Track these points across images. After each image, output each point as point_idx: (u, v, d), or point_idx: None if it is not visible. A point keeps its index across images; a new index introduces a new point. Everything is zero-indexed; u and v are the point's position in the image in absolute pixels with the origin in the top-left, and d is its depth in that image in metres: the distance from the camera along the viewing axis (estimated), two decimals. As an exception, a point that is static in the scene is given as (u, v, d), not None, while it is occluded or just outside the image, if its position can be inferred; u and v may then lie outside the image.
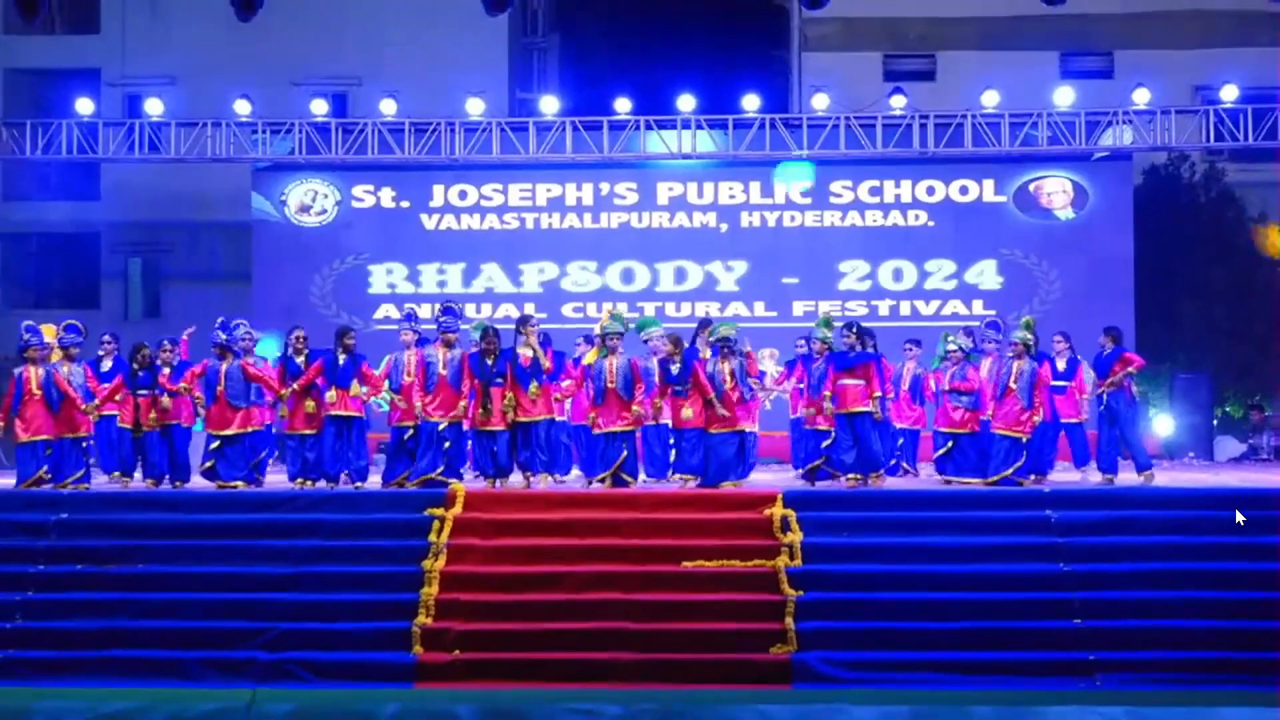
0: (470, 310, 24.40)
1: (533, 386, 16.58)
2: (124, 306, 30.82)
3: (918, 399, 18.85)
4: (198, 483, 17.39)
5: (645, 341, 17.28)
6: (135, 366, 17.33)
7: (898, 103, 24.71)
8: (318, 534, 15.01)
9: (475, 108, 24.91)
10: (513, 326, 17.17)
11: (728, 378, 16.47)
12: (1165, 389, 26.32)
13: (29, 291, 30.52)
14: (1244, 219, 28.70)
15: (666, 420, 17.27)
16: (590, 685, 13.07)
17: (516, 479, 16.93)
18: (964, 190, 25.40)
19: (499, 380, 16.64)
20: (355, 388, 16.85)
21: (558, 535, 14.89)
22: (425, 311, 19.59)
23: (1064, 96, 24.62)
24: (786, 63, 32.50)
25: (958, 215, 25.37)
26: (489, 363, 16.65)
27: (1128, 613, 13.63)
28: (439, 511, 15.01)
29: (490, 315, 23.62)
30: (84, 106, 25.11)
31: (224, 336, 16.97)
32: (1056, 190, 25.33)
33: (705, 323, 17.58)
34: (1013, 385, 16.56)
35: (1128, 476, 17.41)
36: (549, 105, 25.27)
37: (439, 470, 16.32)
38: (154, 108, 25.14)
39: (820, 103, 24.82)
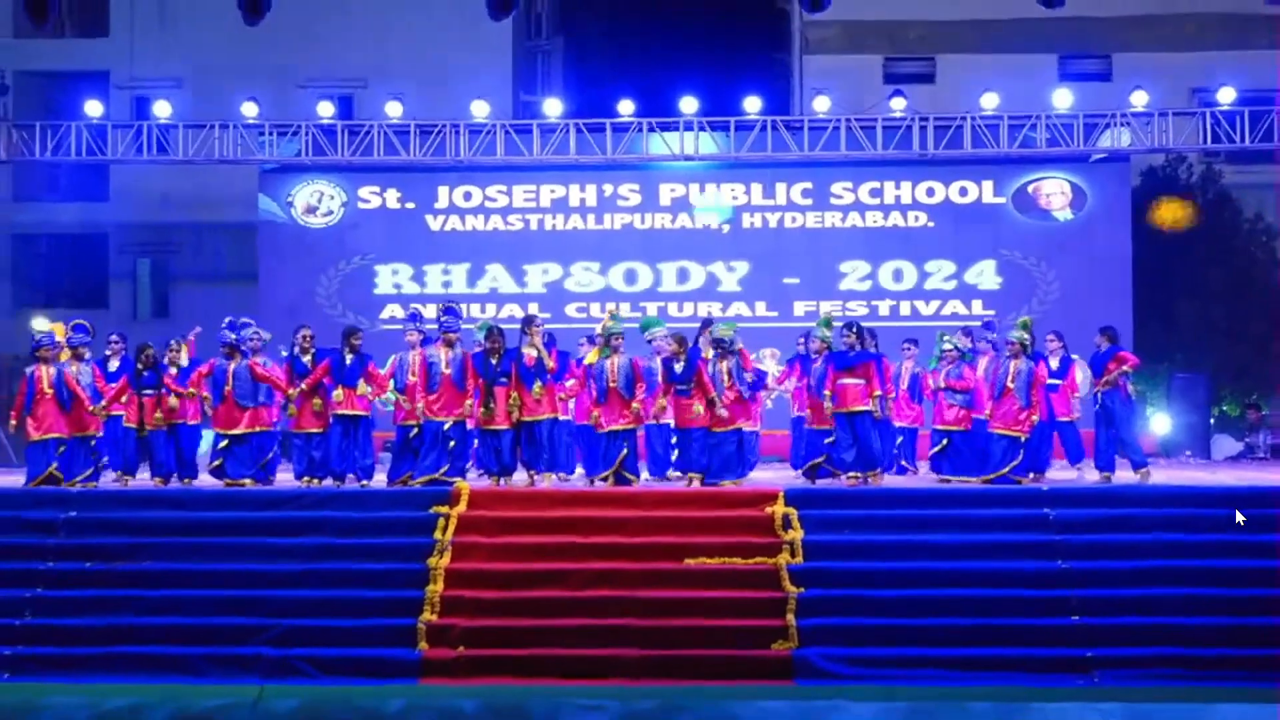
0: (475, 310, 24.42)
1: (536, 386, 16.58)
2: (132, 306, 30.84)
3: (916, 398, 18.85)
4: (205, 481, 17.42)
5: (649, 341, 17.28)
6: (140, 366, 17.33)
7: (898, 105, 24.71)
8: (324, 531, 15.01)
9: (480, 110, 24.90)
10: (517, 326, 17.17)
11: (725, 377, 16.48)
12: (1163, 388, 26.31)
13: (39, 292, 30.54)
14: (1240, 220, 28.68)
15: (669, 420, 17.26)
16: (594, 682, 13.07)
17: (520, 477, 16.93)
18: (963, 191, 25.39)
19: (503, 380, 16.64)
20: (362, 387, 16.86)
21: (561, 533, 14.88)
22: (430, 312, 19.56)
23: (1062, 99, 24.62)
24: (788, 65, 32.50)
25: (957, 216, 25.37)
26: (493, 362, 16.65)
27: (1125, 610, 13.62)
28: (444, 509, 15.01)
29: (495, 315, 23.58)
30: (93, 109, 25.11)
31: (233, 336, 16.98)
32: (1055, 191, 25.33)
33: (708, 322, 17.58)
34: (1010, 385, 16.56)
35: (1125, 475, 17.39)
36: (552, 107, 25.27)
37: (443, 469, 16.31)
38: (162, 110, 25.15)
39: (821, 105, 24.81)
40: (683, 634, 13.53)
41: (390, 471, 17.11)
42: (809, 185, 25.48)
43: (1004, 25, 28.78)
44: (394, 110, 24.94)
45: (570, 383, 17.56)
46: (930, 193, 25.36)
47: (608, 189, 25.72)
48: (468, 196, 25.76)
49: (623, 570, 14.27)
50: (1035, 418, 16.59)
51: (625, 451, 16.51)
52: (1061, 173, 25.24)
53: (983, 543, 14.55)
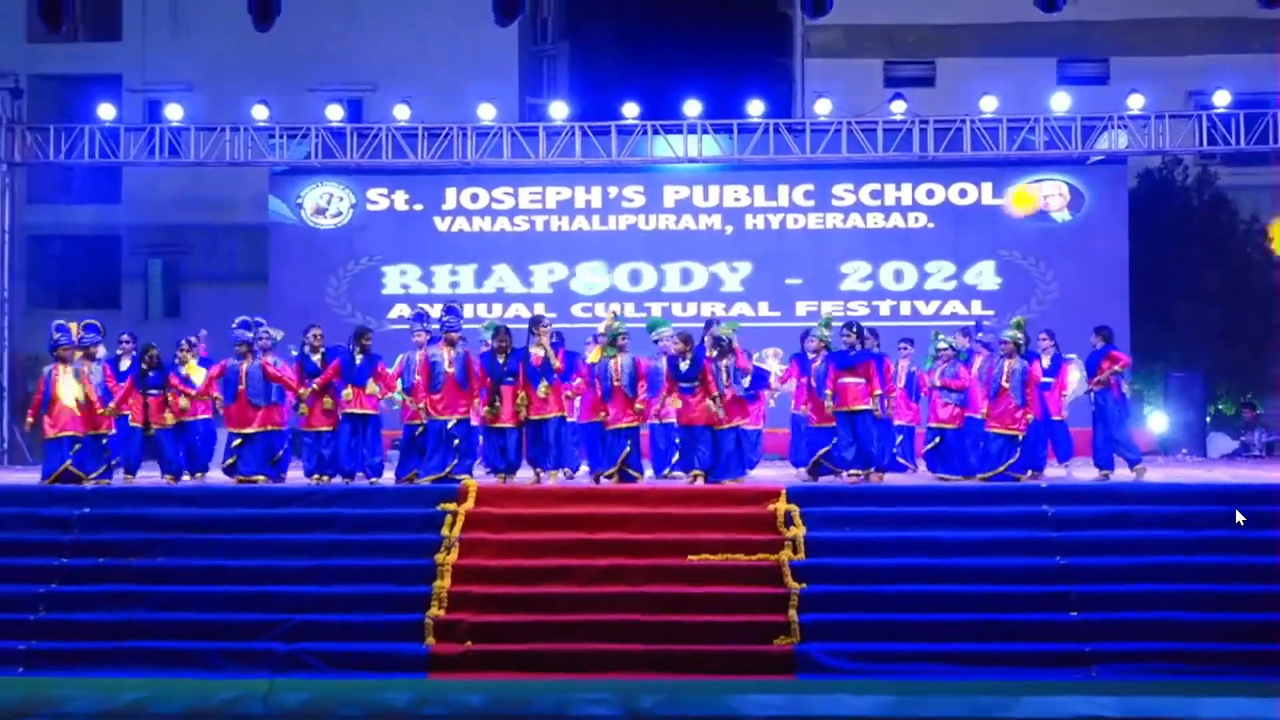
0: (482, 310, 24.50)
1: (542, 386, 16.59)
2: (144, 307, 30.89)
3: (913, 396, 18.88)
4: (218, 478, 17.46)
5: (656, 341, 17.30)
6: (144, 367, 17.38)
7: (898, 108, 24.72)
8: (333, 528, 15.01)
9: (487, 113, 24.92)
10: (522, 326, 17.19)
11: (724, 375, 16.52)
12: (1160, 387, 26.34)
13: (52, 292, 30.58)
14: (1236, 222, 28.69)
15: (671, 419, 17.28)
16: (599, 676, 13.05)
17: (526, 475, 16.94)
18: (963, 193, 25.40)
19: (510, 379, 16.66)
20: (371, 386, 16.89)
21: (567, 529, 14.88)
22: (437, 312, 19.55)
23: (1060, 102, 24.61)
24: (790, 69, 32.52)
25: (957, 217, 25.38)
26: (500, 361, 16.68)
27: (1123, 605, 13.60)
28: (451, 506, 15.01)
29: (501, 315, 23.69)
30: (106, 112, 25.14)
31: (250, 335, 17.02)
32: (1053, 193, 25.33)
33: (711, 322, 17.60)
34: (1005, 384, 16.60)
35: (1123, 473, 17.39)
36: (558, 110, 25.29)
37: (449, 468, 16.33)
38: (174, 113, 25.18)
39: (823, 108, 24.82)
40: (686, 629, 13.52)
41: (397, 469, 17.16)
42: (810, 187, 25.50)
43: (1003, 29, 28.80)
44: (402, 113, 24.95)
45: (577, 381, 17.57)
46: (930, 194, 25.37)
47: (612, 191, 25.73)
48: (475, 198, 25.79)
49: (627, 566, 14.27)
50: (1030, 416, 16.62)
51: (629, 449, 16.56)
52: (1060, 175, 25.25)
53: (982, 539, 14.55)
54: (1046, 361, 18.05)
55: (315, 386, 16.80)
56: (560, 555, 14.48)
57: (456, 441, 16.44)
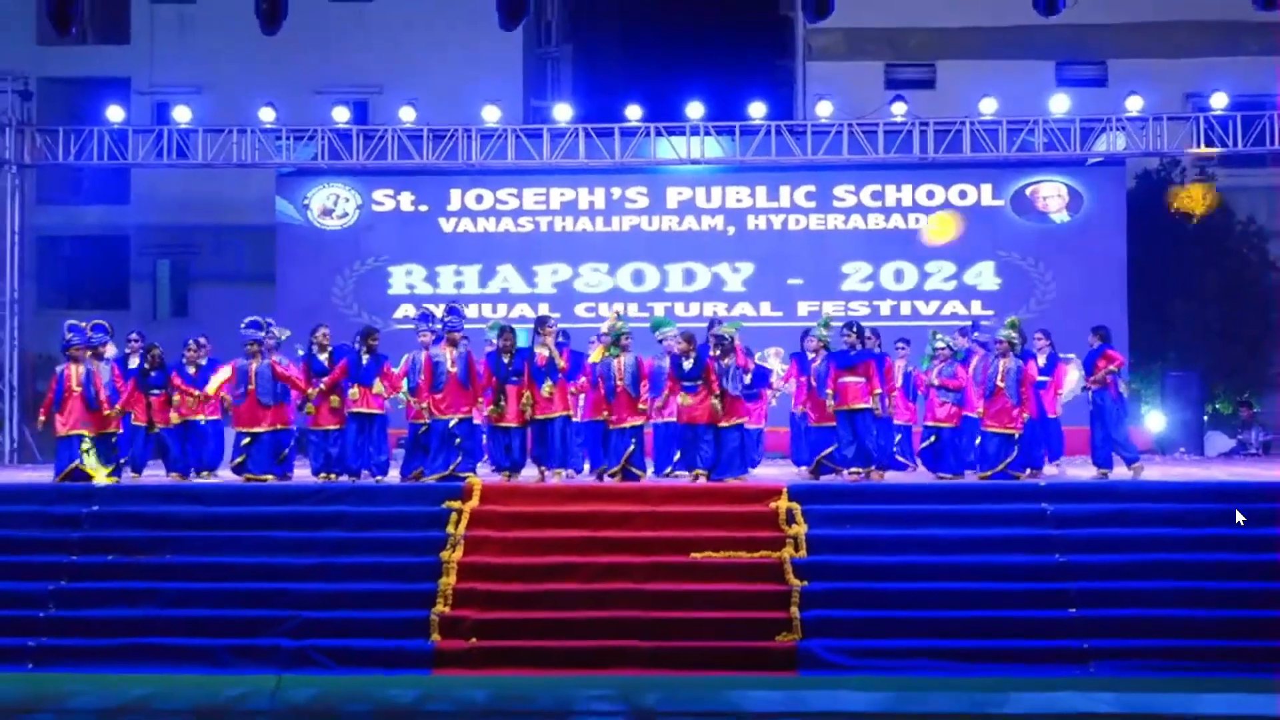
0: (486, 310, 24.50)
1: (547, 385, 16.59)
2: (153, 307, 30.89)
3: (911, 395, 18.88)
4: (227, 476, 17.47)
5: (660, 341, 17.30)
6: (146, 366, 17.40)
7: (899, 110, 24.72)
8: (340, 526, 15.01)
9: (491, 115, 24.92)
10: (526, 326, 17.19)
11: (726, 374, 16.54)
12: (1158, 386, 26.31)
13: (62, 292, 30.57)
14: (1233, 223, 28.66)
15: (671, 418, 17.28)
16: (602, 672, 13.05)
17: (530, 473, 16.94)
18: (963, 194, 25.41)
19: (515, 378, 16.66)
20: (377, 386, 16.90)
21: (571, 527, 14.88)
22: (441, 312, 19.58)
23: (1059, 104, 24.60)
24: (791, 71, 32.50)
25: (957, 218, 25.36)
26: (505, 361, 16.68)
27: (1121, 602, 13.60)
28: (456, 504, 15.01)
29: (505, 315, 23.67)
30: (114, 114, 25.18)
31: (262, 334, 17.03)
32: (1052, 194, 25.35)
33: (716, 322, 17.60)
34: (1000, 383, 16.62)
35: (1120, 471, 17.39)
36: (562, 112, 25.28)
37: (452, 466, 16.32)
38: (182, 115, 25.20)
39: (824, 110, 24.83)
40: (689, 626, 13.52)
41: (402, 468, 17.17)
42: (812, 188, 25.51)
43: (1002, 32, 28.75)
44: (408, 115, 24.95)
45: (581, 380, 17.57)
46: (930, 195, 25.38)
47: (616, 192, 25.75)
48: (479, 199, 25.81)
49: (631, 564, 14.26)
50: (1026, 415, 16.63)
51: (632, 448, 16.57)
52: (1058, 176, 25.26)
53: (982, 537, 14.55)
54: (1042, 360, 18.08)
55: (323, 386, 16.82)
56: (564, 553, 14.47)
57: (458, 440, 16.44)
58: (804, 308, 24.99)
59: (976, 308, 24.69)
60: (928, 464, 17.68)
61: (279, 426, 17.11)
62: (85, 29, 29.82)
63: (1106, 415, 17.45)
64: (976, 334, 18.15)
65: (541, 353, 16.66)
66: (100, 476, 16.42)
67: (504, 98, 26.42)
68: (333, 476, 16.84)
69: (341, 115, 25.24)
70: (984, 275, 25.26)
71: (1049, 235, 25.26)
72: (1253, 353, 27.75)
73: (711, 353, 16.71)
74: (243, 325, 17.13)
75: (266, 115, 24.89)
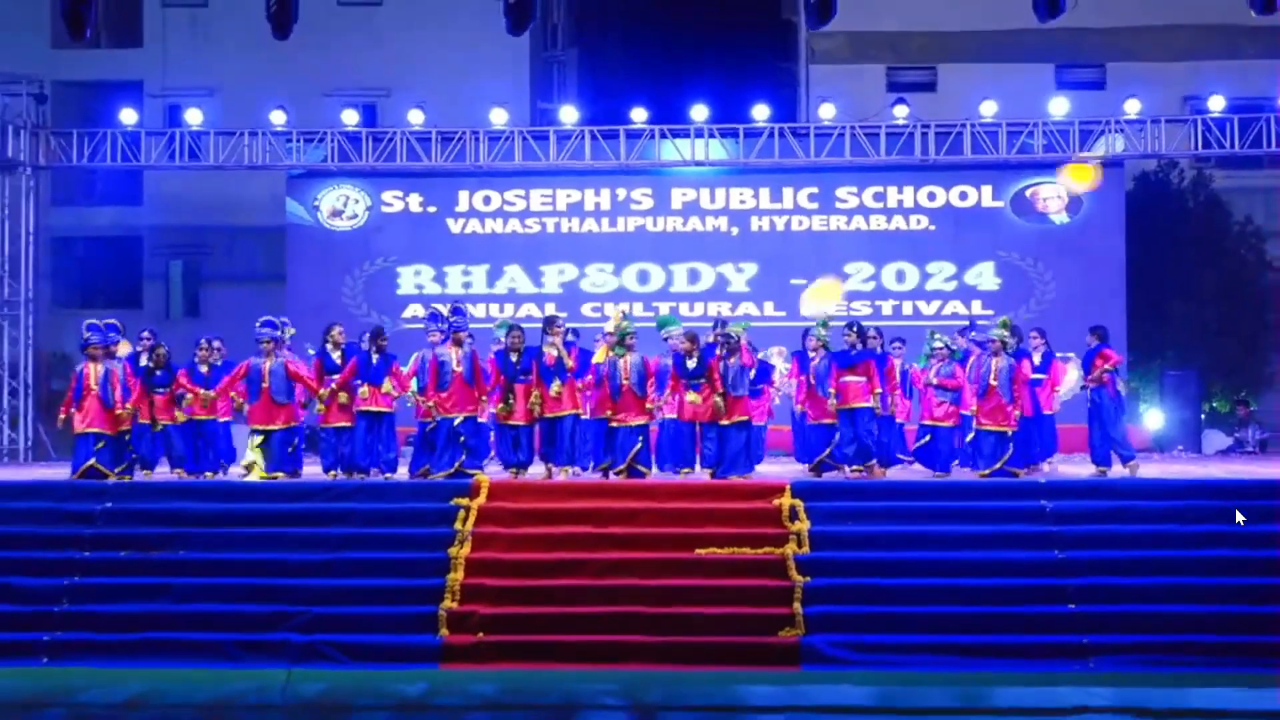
0: (494, 310, 24.56)
1: (555, 385, 16.61)
2: (165, 306, 30.91)
3: (907, 393, 18.88)
4: (237, 473, 17.48)
5: (665, 339, 17.31)
6: (151, 365, 17.41)
7: (900, 112, 24.70)
8: (349, 522, 15.00)
9: (498, 117, 24.92)
10: (534, 325, 17.20)
11: (729, 373, 16.56)
12: (1156, 385, 26.28)
13: (75, 292, 30.61)
14: (1230, 223, 28.64)
15: (672, 415, 17.28)
16: (608, 666, 13.05)
17: (538, 470, 16.94)
18: (963, 196, 25.39)
19: (523, 377, 16.67)
20: (387, 385, 16.90)
21: (577, 523, 14.87)
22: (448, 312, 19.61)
23: (1059, 106, 24.59)
24: (794, 75, 32.49)
25: (957, 219, 25.37)
26: (513, 359, 16.69)
27: (1120, 598, 13.58)
28: (464, 501, 15.00)
29: (513, 315, 23.67)
30: (127, 117, 25.21)
31: (278, 332, 17.04)
32: (1052, 196, 25.34)
33: (724, 322, 17.60)
34: (993, 382, 16.64)
35: (1119, 469, 17.38)
36: (568, 115, 25.28)
37: (457, 464, 16.32)
38: (194, 118, 25.23)
39: (826, 113, 24.82)
40: (693, 621, 13.51)
41: (411, 465, 17.20)
42: (815, 190, 25.51)
43: (1002, 36, 28.72)
44: (416, 118, 24.95)
45: (588, 378, 17.58)
46: (931, 197, 25.37)
47: (621, 193, 25.75)
48: (487, 200, 25.81)
49: (636, 560, 14.26)
50: (1018, 412, 16.65)
51: (639, 445, 16.57)
52: (1057, 177, 25.22)
53: (982, 533, 14.53)
54: (1038, 359, 18.09)
55: (334, 387, 16.83)
56: (571, 549, 14.46)
57: (463, 439, 16.43)
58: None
59: (977, 308, 24.67)
60: (923, 461, 17.72)
61: (292, 424, 17.13)
62: (99, 33, 29.81)
63: (1104, 414, 17.46)
64: (973, 334, 18.15)
65: (550, 352, 16.67)
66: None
67: (511, 100, 26.42)
68: (345, 474, 16.85)
69: (351, 118, 25.25)
70: (984, 276, 25.24)
71: (1048, 236, 25.25)
72: (1250, 352, 27.73)
73: (718, 352, 16.72)
74: (258, 324, 17.12)
75: (277, 118, 24.91)
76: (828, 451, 16.92)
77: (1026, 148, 24.54)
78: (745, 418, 16.72)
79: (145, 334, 18.39)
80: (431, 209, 25.90)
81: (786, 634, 13.29)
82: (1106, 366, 17.46)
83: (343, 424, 16.95)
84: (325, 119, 26.05)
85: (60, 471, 18.51)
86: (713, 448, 16.63)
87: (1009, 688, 12.63)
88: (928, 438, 17.63)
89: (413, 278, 25.85)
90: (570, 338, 17.52)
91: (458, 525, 14.64)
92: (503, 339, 17.03)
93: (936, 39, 30.28)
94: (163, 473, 17.91)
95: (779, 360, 19.81)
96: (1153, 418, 25.29)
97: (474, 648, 13.29)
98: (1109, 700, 12.16)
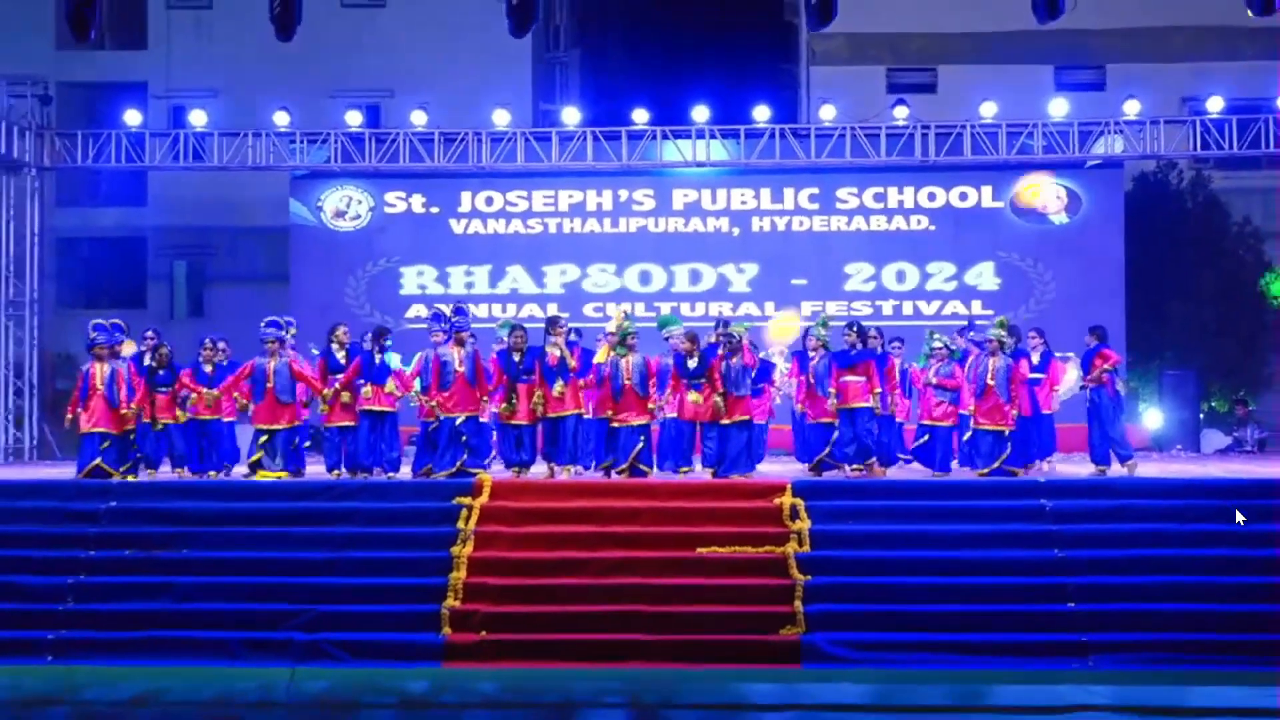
0: (496, 310, 24.54)
1: (558, 385, 16.61)
2: (169, 306, 30.90)
3: (906, 392, 18.89)
4: (240, 473, 17.47)
5: (666, 339, 17.31)
6: (154, 365, 17.40)
7: (900, 114, 24.67)
8: (353, 521, 15.01)
9: (501, 119, 24.90)
10: (536, 326, 17.20)
11: (731, 372, 16.56)
12: (1155, 385, 26.25)
13: (80, 292, 30.57)
14: (1229, 224, 28.62)
15: (672, 414, 17.27)
16: (610, 665, 13.05)
17: (540, 469, 16.94)
18: (963, 196, 25.36)
19: (525, 377, 16.67)
20: (390, 384, 16.90)
21: (580, 523, 14.88)
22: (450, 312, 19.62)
23: (1058, 107, 24.56)
24: (795, 76, 32.47)
25: (957, 220, 25.34)
26: (516, 359, 16.69)
27: (1120, 596, 13.58)
28: (467, 500, 15.00)
29: (515, 315, 23.65)
30: (132, 118, 25.18)
31: (283, 332, 17.05)
32: (1051, 196, 25.28)
33: (724, 324, 17.62)
34: (990, 382, 16.65)
35: (1117, 467, 17.37)
36: (570, 116, 25.25)
37: (459, 463, 16.32)
38: (198, 119, 25.20)
39: (827, 114, 24.78)
40: (695, 619, 13.52)
41: (413, 464, 17.19)
42: (815, 190, 25.48)
43: (1002, 37, 28.69)
44: (419, 119, 24.93)
45: (590, 377, 17.57)
46: (932, 197, 25.33)
47: (623, 194, 25.73)
48: (489, 201, 25.79)
49: (638, 558, 14.26)
50: (1015, 411, 16.65)
51: (641, 445, 16.57)
52: (1057, 178, 25.20)
53: (982, 532, 14.53)
54: (1036, 359, 18.09)
55: (338, 387, 16.84)
56: (573, 548, 14.47)
57: (464, 438, 16.43)
58: (808, 308, 24.94)
59: (977, 308, 24.64)
60: (922, 461, 17.73)
61: (296, 423, 17.13)
62: (103, 35, 29.75)
63: (1103, 413, 17.45)
64: (971, 334, 18.14)
65: (553, 352, 16.67)
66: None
67: (513, 102, 26.36)
68: (350, 473, 16.84)
69: (354, 119, 25.23)
70: (984, 276, 25.22)
71: (1048, 236, 25.21)
72: (1248, 352, 27.70)
73: (720, 351, 16.73)
74: (263, 324, 17.12)
75: (281, 119, 24.89)
76: (827, 451, 16.94)
77: (1026, 149, 24.50)
78: (747, 417, 16.73)
79: (149, 333, 18.39)
80: (434, 210, 25.88)
81: (787, 632, 13.29)
82: (1106, 366, 17.46)
83: (346, 423, 16.96)
84: (329, 120, 26.05)
85: (65, 471, 18.51)
86: (713, 447, 16.64)
87: (1009, 686, 12.64)
88: (926, 437, 17.65)
89: (415, 278, 25.83)
90: (573, 337, 17.53)
91: (460, 524, 14.64)
92: (505, 338, 17.04)
93: (936, 40, 30.26)
94: (165, 472, 17.90)
95: (780, 360, 19.82)
96: (1152, 417, 25.27)
97: (476, 646, 13.29)
98: (1108, 698, 12.16)
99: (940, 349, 17.50)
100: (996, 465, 16.54)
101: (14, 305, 25.00)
